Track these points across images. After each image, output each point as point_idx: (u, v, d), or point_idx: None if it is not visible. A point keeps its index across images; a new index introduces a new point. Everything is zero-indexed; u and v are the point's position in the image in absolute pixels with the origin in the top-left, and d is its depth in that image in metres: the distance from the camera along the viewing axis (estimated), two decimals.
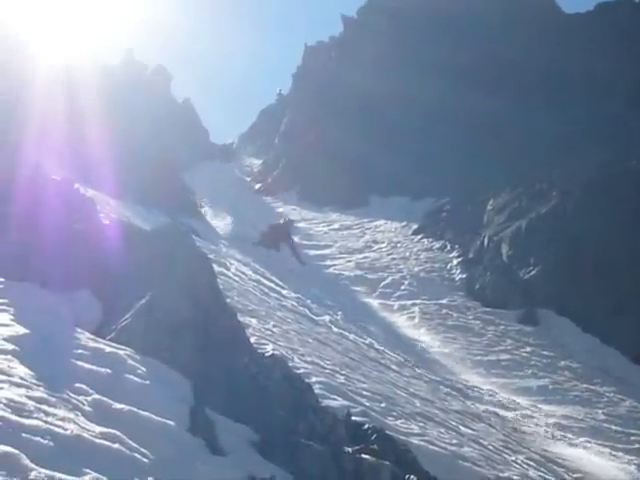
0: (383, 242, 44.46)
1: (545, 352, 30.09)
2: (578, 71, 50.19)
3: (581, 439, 22.34)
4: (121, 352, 9.14)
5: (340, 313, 26.92)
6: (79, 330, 9.55)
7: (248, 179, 62.86)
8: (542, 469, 15.77)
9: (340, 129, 57.69)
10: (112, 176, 30.92)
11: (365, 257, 41.41)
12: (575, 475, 17.53)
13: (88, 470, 6.22)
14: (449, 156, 50.91)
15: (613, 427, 24.41)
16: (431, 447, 12.39)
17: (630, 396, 27.69)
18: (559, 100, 48.69)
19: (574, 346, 30.96)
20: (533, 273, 35.95)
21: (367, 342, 22.83)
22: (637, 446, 23.03)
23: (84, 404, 7.54)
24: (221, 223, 39.97)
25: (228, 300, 14.09)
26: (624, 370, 30.11)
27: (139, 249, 11.67)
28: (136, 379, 8.66)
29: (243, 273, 24.74)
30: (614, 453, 21.77)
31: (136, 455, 6.97)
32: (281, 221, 43.09)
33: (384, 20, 62.51)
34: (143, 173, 35.72)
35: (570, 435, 22.49)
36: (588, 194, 37.60)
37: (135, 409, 7.84)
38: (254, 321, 16.59)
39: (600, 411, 25.68)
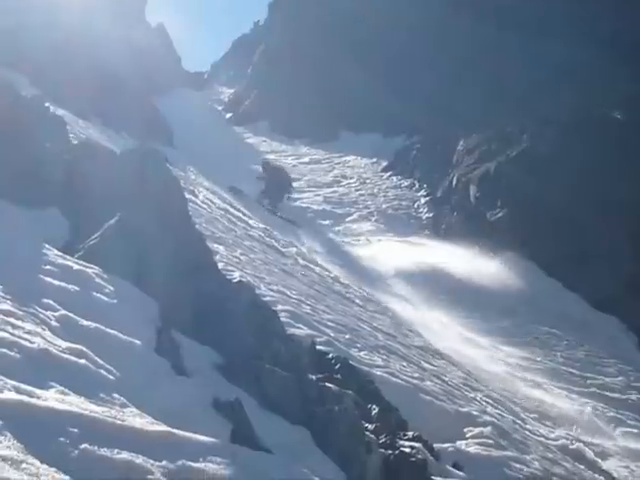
0: (352, 177, 44.49)
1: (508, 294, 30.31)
2: (559, 13, 49.98)
3: (539, 381, 22.64)
4: (89, 270, 9.07)
5: (307, 246, 26.95)
6: (47, 247, 9.47)
7: (219, 108, 62.46)
8: (500, 407, 15.94)
9: (316, 60, 57.32)
10: (82, 97, 30.64)
11: (333, 192, 41.48)
12: (532, 415, 17.78)
13: (54, 383, 6.19)
14: (428, 92, 50.67)
15: (571, 370, 24.76)
16: (393, 379, 12.49)
17: (589, 341, 28.08)
18: (537, 40, 48.50)
19: (537, 289, 31.19)
20: (499, 215, 36.08)
21: (332, 275, 22.88)
22: (593, 389, 23.41)
23: (51, 319, 7.49)
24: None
25: (197, 227, 14.04)
26: (585, 315, 30.47)
27: (108, 170, 11.55)
28: (104, 298, 8.61)
29: (211, 201, 24.66)
30: (570, 395, 22.10)
31: (102, 371, 6.96)
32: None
33: None
34: (114, 96, 35.34)
35: (529, 376, 22.77)
36: (559, 139, 37.67)
37: (102, 327, 7.81)
38: (221, 248, 16.56)
39: (559, 354, 26.04)
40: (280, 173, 37.73)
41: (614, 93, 40.87)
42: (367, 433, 8.80)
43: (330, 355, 11.25)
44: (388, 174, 45.57)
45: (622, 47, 44.88)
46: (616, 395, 23.77)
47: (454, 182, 40.14)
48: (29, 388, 5.83)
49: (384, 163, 47.10)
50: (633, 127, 37.78)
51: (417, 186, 42.96)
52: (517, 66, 48.59)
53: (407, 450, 9.03)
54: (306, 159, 48.71)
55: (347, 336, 13.75)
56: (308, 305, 14.88)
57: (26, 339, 6.65)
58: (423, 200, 40.83)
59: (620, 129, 38.03)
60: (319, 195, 40.49)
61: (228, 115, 60.41)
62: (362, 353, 13.13)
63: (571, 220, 34.22)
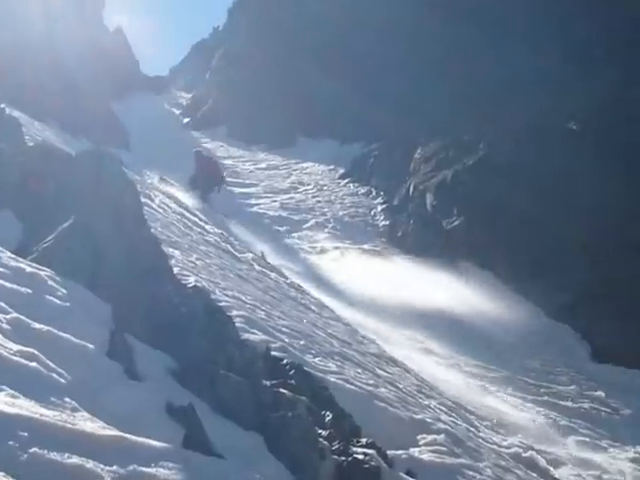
0: (309, 184, 44.56)
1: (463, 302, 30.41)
2: (523, 19, 50.26)
3: (493, 389, 22.78)
4: (42, 273, 8.99)
5: (262, 252, 26.92)
6: (0, 249, 9.37)
7: (177, 112, 62.35)
8: (454, 415, 16.00)
9: (277, 65, 57.30)
10: (39, 99, 30.49)
11: (290, 198, 41.51)
12: (485, 423, 17.86)
13: (4, 387, 6.12)
14: (387, 99, 50.73)
15: (525, 379, 24.92)
16: (348, 386, 12.48)
17: (543, 350, 28.30)
18: (499, 47, 48.78)
19: (492, 298, 31.31)
20: (456, 224, 36.23)
21: (288, 282, 22.88)
22: (547, 398, 23.60)
23: (2, 322, 7.40)
24: None
25: (152, 230, 13.96)
26: (540, 324, 30.68)
27: (64, 172, 11.48)
28: (56, 301, 8.53)
29: (167, 205, 24.57)
30: (525, 404, 22.26)
31: (53, 375, 6.88)
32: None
33: None
34: (72, 99, 35.19)
35: (483, 384, 22.91)
36: (516, 148, 37.93)
37: (54, 330, 7.74)
38: (177, 253, 16.49)
39: (514, 362, 26.18)
40: (212, 164, 37.13)
41: (571, 103, 41.17)
42: (320, 439, 8.78)
43: (284, 361, 11.22)
44: (345, 181, 45.66)
45: (582, 56, 45.24)
46: (569, 404, 23.98)
47: (411, 190, 40.27)
48: None
49: (341, 170, 47.21)
50: (590, 137, 38.08)
51: (374, 194, 43.06)
52: (481, 74, 48.75)
53: (360, 457, 9.01)
54: (263, 165, 48.72)
55: (302, 342, 13.74)
56: (263, 311, 14.85)
57: None
58: (380, 208, 40.93)
59: (577, 139, 38.31)
60: (276, 201, 40.52)
61: (186, 120, 60.24)
62: (317, 359, 13.11)
63: (527, 229, 34.42)
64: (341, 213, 40.01)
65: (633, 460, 19.71)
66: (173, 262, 14.17)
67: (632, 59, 43.50)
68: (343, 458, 8.78)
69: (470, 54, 50.05)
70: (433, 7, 52.83)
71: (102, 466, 5.67)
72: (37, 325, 7.69)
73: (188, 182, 35.07)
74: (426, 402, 15.37)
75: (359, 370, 14.37)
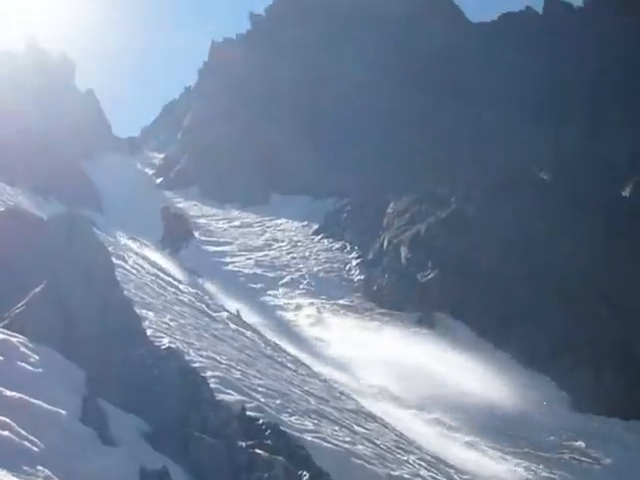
0: (283, 241, 44.52)
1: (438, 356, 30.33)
2: (488, 75, 50.98)
3: (473, 441, 22.62)
4: (14, 340, 8.94)
5: (237, 310, 26.83)
6: None
7: (150, 173, 62.32)
8: (433, 469, 15.90)
9: (247, 124, 57.55)
10: (9, 163, 30.46)
11: (265, 255, 41.44)
12: (465, 476, 17.73)
13: None
14: (358, 154, 51.14)
15: (503, 430, 24.76)
16: (325, 444, 12.41)
17: (522, 401, 28.12)
18: (468, 104, 49.33)
19: (468, 350, 31.25)
20: (430, 277, 36.25)
21: (264, 340, 22.78)
22: (526, 450, 23.41)
23: None
24: None
25: (125, 292, 13.91)
26: (518, 375, 30.53)
27: (35, 237, 11.46)
28: (29, 367, 8.49)
29: (141, 266, 24.48)
30: (503, 456, 22.10)
31: (26, 443, 6.83)
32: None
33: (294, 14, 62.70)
34: (44, 163, 35.19)
35: (462, 437, 22.75)
36: (487, 201, 38.14)
37: (26, 397, 7.68)
38: (151, 314, 16.41)
39: (492, 414, 26.00)
40: (180, 220, 36.87)
41: (541, 155, 41.59)
42: None
43: (260, 421, 11.16)
44: (319, 237, 45.65)
45: (550, 111, 45.85)
46: (549, 454, 23.83)
47: (385, 244, 40.34)
48: None
49: (315, 226, 47.21)
50: (561, 188, 38.40)
51: (348, 248, 43.07)
52: (446, 127, 49.24)
53: None
54: (237, 223, 48.70)
55: (278, 401, 13.66)
56: (238, 370, 14.77)
57: None
58: (354, 262, 40.91)
59: (548, 190, 38.61)
60: (250, 259, 40.47)
61: (159, 180, 60.20)
62: (293, 418, 13.04)
63: (501, 281, 34.52)
64: (316, 269, 39.95)
65: None
66: (147, 324, 14.11)
67: (598, 112, 44.13)
68: None
69: (441, 111, 50.60)
70: (407, 69, 53.64)
71: None
72: (9, 393, 7.64)
73: (160, 240, 34.96)
74: (405, 457, 15.27)
75: (336, 427, 14.29)
